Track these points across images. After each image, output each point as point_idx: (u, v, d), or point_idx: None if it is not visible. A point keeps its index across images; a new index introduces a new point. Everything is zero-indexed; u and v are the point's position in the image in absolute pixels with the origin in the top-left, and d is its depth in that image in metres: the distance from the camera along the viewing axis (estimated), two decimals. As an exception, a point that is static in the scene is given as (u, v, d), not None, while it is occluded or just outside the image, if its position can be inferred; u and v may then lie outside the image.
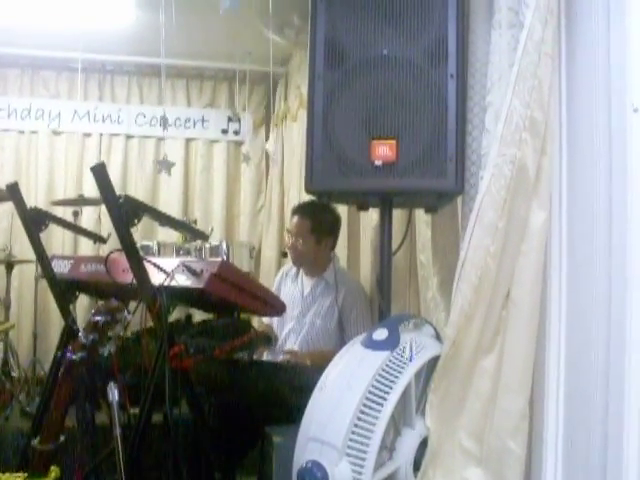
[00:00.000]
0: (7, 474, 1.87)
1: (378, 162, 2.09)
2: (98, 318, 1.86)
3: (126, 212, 2.16)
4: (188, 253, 4.43)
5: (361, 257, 3.79)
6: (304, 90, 5.15)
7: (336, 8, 2.24)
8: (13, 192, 2.82)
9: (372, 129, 2.11)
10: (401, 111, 2.10)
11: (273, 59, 5.77)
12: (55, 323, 5.68)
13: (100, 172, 2.19)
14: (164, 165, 5.35)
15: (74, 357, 1.81)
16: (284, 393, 2.67)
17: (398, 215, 2.64)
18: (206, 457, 2.49)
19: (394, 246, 2.46)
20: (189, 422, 2.43)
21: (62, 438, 1.89)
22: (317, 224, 3.31)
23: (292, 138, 5.52)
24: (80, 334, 1.85)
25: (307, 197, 4.81)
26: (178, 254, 4.50)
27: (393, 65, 2.11)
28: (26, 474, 1.83)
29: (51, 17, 5.02)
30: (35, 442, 1.84)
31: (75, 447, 1.95)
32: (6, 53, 5.82)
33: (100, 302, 1.99)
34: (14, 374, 5.01)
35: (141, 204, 2.25)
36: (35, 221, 2.86)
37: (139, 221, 2.21)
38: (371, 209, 2.66)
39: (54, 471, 1.88)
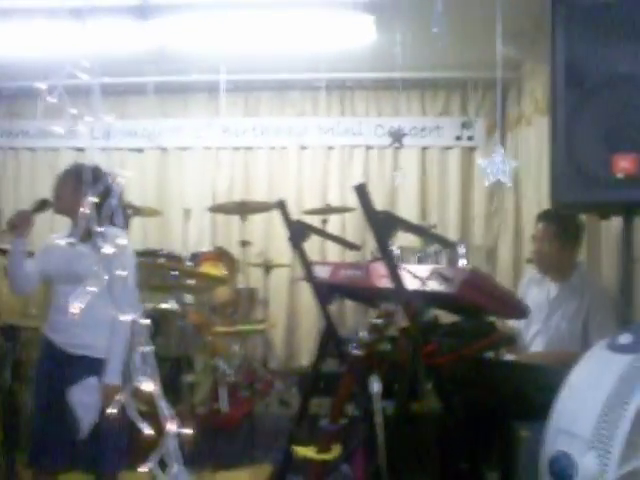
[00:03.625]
0: (301, 447, 2.24)
1: (620, 175, 2.19)
2: (378, 321, 2.16)
3: (386, 226, 2.44)
4: (428, 257, 4.69)
5: (602, 264, 3.82)
6: (539, 95, 5.22)
7: (575, 29, 2.36)
8: (281, 208, 3.22)
9: (613, 144, 2.21)
10: (643, 126, 2.18)
11: (505, 65, 5.88)
12: (305, 321, 6.24)
13: (362, 191, 2.47)
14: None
15: (358, 353, 2.13)
16: (527, 391, 2.81)
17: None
18: (454, 448, 2.70)
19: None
20: (439, 415, 2.66)
21: (344, 421, 2.22)
22: (562, 230, 3.38)
23: (528, 142, 5.59)
24: (363, 333, 2.16)
25: (545, 197, 4.91)
26: (418, 258, 4.77)
27: (634, 82, 2.21)
28: (316, 448, 2.18)
29: (297, 42, 5.54)
30: (323, 423, 2.19)
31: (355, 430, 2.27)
32: (257, 78, 6.52)
33: (381, 306, 2.27)
34: (272, 366, 5.57)
35: (398, 218, 2.51)
36: (300, 233, 3.20)
37: (396, 233, 2.49)
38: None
39: (336, 449, 2.22)
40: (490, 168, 3.15)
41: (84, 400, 2.89)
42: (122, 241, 1.24)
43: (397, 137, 5.80)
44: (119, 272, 1.26)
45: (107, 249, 1.36)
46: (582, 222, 3.48)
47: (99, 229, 1.45)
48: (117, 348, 2.93)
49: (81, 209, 2.96)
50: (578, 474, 1.81)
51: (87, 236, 2.66)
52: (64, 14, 4.19)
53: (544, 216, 3.50)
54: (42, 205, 3.07)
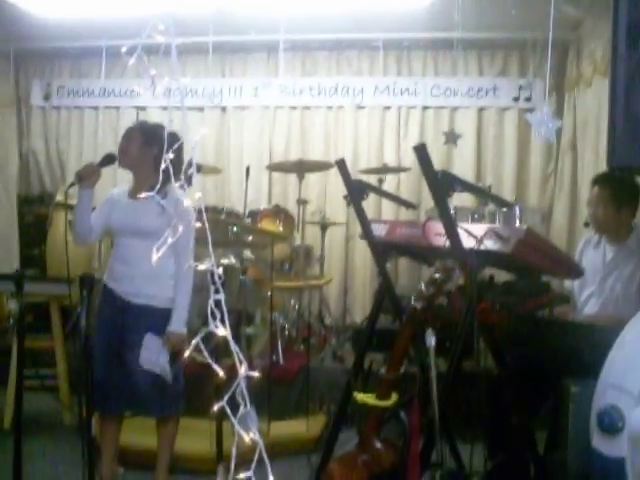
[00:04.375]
0: (362, 393, 2.36)
1: (679, 137, 2.21)
2: (437, 275, 2.25)
3: (443, 185, 2.51)
4: (482, 217, 4.73)
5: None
6: (598, 55, 5.15)
7: (639, -10, 2.36)
8: (341, 167, 3.29)
9: (674, 106, 2.23)
10: None
11: (564, 25, 5.81)
12: (360, 278, 6.36)
13: (421, 151, 2.53)
14: (451, 137, 5.74)
15: (417, 305, 2.23)
16: (579, 349, 2.87)
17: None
18: (505, 402, 2.78)
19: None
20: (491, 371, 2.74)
21: (402, 370, 2.33)
22: (617, 193, 3.38)
23: (586, 103, 5.54)
24: (422, 287, 2.25)
25: (603, 160, 4.88)
26: (473, 218, 4.81)
27: (697, 45, 2.21)
28: (375, 396, 2.30)
29: (355, 1, 5.58)
30: (382, 371, 2.30)
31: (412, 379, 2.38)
32: (315, 38, 6.56)
33: (440, 262, 2.35)
34: (327, 322, 5.71)
35: (456, 178, 2.57)
36: (359, 191, 3.28)
37: (454, 192, 2.55)
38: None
39: (394, 396, 2.34)
40: (536, 123, 3.16)
41: (152, 359, 3.06)
42: (197, 195, 1.33)
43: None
44: (190, 226, 1.35)
45: (183, 204, 1.44)
46: (637, 184, 3.47)
47: (173, 185, 1.53)
48: (183, 298, 3.10)
49: (150, 165, 3.12)
50: (626, 427, 1.89)
51: (156, 191, 2.82)
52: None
53: (599, 180, 3.50)
54: (108, 159, 3.20)
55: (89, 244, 3.90)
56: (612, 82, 2.40)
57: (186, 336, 3.06)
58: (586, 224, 3.58)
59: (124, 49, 1.37)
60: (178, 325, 3.07)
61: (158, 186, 1.51)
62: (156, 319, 3.09)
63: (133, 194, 3.20)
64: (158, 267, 2.95)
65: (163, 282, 3.10)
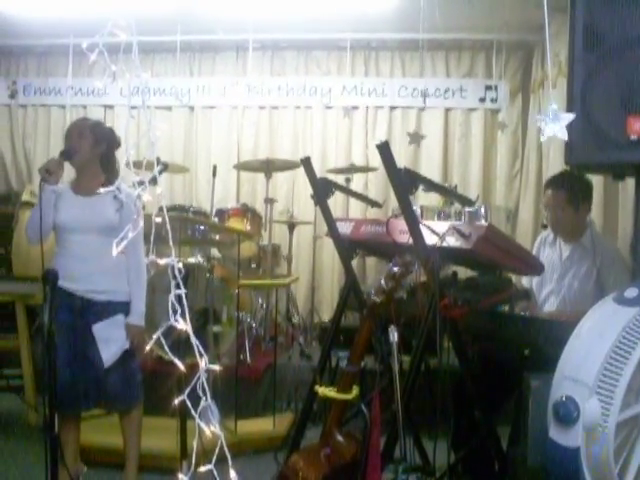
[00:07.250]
0: (323, 387, 2.39)
1: (634, 136, 2.26)
2: (395, 269, 2.28)
3: (406, 182, 2.54)
4: (448, 216, 4.77)
5: (618, 223, 3.88)
6: (563, 57, 5.23)
7: (594, -6, 2.41)
8: (306, 165, 3.32)
9: (628, 106, 2.28)
10: (657, 88, 2.25)
11: (529, 27, 5.89)
12: (327, 277, 6.39)
13: (384, 148, 2.56)
14: (414, 138, 5.81)
15: (376, 299, 2.26)
16: (540, 344, 2.90)
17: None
18: (468, 397, 2.81)
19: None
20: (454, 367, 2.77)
21: (363, 364, 2.36)
22: (572, 193, 3.38)
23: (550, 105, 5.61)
24: (382, 281, 2.28)
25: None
26: (439, 217, 4.86)
27: (649, 45, 2.26)
28: (337, 389, 2.34)
29: (323, 2, 5.65)
30: (343, 365, 2.33)
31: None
32: (283, 38, 6.60)
33: (397, 257, 2.38)
34: (295, 320, 5.73)
35: (418, 175, 2.61)
36: (324, 189, 3.31)
37: (416, 190, 2.59)
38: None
39: (355, 389, 2.37)
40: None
41: (112, 334, 3.09)
42: (158, 190, 1.34)
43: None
44: (139, 222, 1.36)
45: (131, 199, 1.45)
46: (590, 182, 3.50)
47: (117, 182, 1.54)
48: (139, 291, 3.18)
49: (97, 162, 3.17)
50: (581, 417, 1.93)
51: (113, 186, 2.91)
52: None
53: (552, 183, 3.51)
54: (67, 155, 3.15)
55: (44, 242, 3.67)
56: (569, 82, 2.46)
57: (144, 328, 3.15)
58: (544, 226, 3.60)
59: (84, 45, 1.37)
60: (137, 318, 3.15)
61: (117, 182, 1.52)
62: (120, 312, 3.14)
63: (80, 190, 3.15)
64: (113, 262, 2.97)
65: (120, 276, 3.14)
